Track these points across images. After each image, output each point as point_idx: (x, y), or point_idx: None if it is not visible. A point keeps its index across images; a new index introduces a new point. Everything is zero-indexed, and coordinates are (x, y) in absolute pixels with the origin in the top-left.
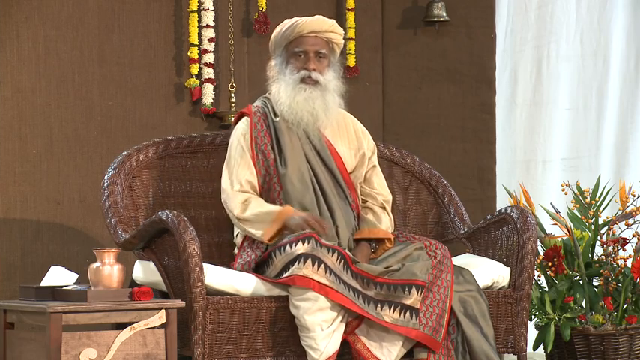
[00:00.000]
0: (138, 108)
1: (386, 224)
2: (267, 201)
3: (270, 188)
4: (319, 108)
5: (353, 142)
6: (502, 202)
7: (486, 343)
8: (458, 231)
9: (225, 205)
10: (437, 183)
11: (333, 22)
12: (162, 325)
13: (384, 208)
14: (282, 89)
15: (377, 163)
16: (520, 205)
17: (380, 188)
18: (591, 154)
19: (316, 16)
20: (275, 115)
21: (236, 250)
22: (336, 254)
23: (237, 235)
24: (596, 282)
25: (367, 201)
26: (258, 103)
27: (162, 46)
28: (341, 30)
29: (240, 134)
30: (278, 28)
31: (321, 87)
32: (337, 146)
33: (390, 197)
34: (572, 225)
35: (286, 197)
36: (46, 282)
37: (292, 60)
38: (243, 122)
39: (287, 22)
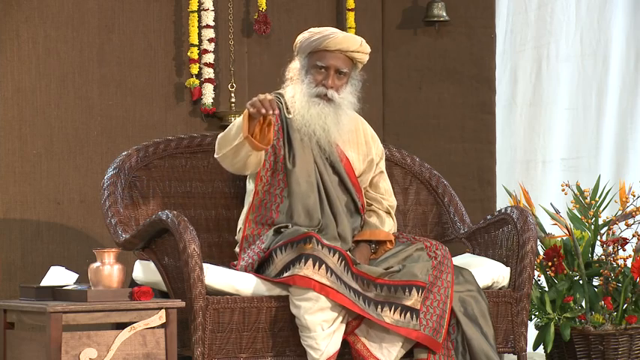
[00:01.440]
0: (138, 108)
1: (389, 227)
2: (268, 196)
3: (273, 183)
4: (331, 124)
5: (362, 147)
6: (502, 202)
7: (486, 343)
8: (458, 231)
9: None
10: (437, 183)
11: (361, 41)
12: (162, 325)
13: (388, 212)
14: (298, 98)
15: (384, 169)
16: (520, 205)
17: (386, 194)
18: (591, 154)
19: (347, 34)
20: (288, 112)
21: (237, 249)
22: (337, 255)
23: (239, 232)
24: (596, 282)
25: (372, 205)
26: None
27: (162, 46)
28: (368, 49)
29: None
30: (307, 34)
31: (335, 105)
32: (346, 150)
33: (395, 203)
34: (572, 225)
35: (290, 195)
36: (46, 282)
37: (312, 71)
38: None
39: (317, 32)
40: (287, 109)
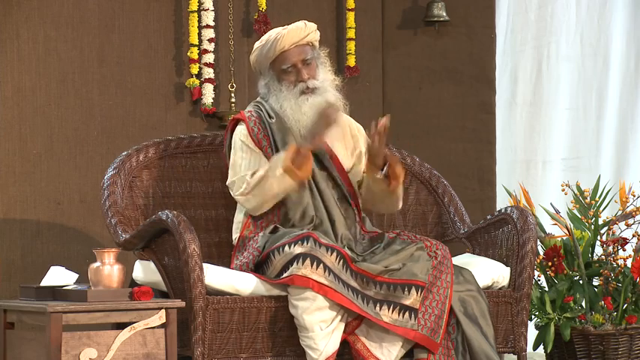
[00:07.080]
0: (138, 108)
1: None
2: None
3: None
4: None
5: (349, 142)
6: (502, 202)
7: (486, 343)
8: (458, 231)
9: (232, 192)
10: (437, 183)
11: (304, 23)
12: (162, 325)
13: None
14: (286, 104)
15: None
16: (520, 205)
17: None
18: (591, 154)
19: (291, 26)
20: (270, 116)
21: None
22: (335, 254)
23: (234, 233)
24: (596, 282)
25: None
26: (250, 107)
27: (162, 46)
28: (314, 26)
29: (243, 135)
30: (256, 51)
31: (320, 90)
32: (334, 146)
33: None
34: (572, 225)
35: (284, 197)
36: (46, 282)
37: (283, 76)
38: (242, 126)
39: (264, 41)
40: (268, 114)
